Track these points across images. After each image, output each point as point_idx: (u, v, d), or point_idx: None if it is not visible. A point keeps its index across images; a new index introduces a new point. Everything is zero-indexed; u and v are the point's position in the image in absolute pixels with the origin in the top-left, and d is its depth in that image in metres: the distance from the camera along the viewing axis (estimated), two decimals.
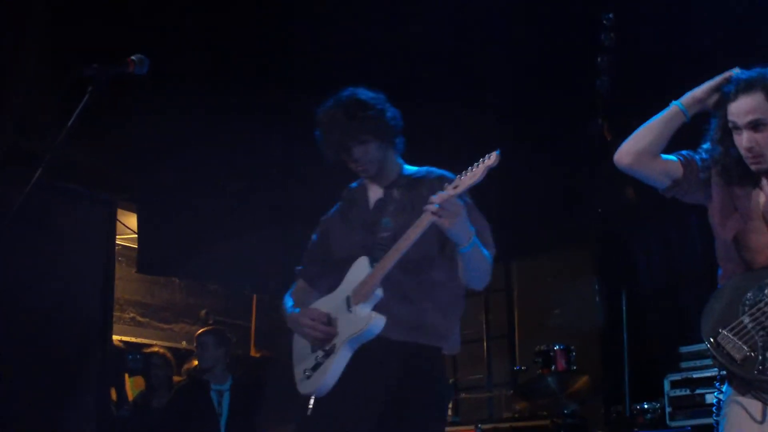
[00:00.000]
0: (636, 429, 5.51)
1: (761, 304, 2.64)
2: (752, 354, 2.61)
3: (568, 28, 5.36)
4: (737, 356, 2.64)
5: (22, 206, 2.60)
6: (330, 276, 3.26)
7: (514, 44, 5.49)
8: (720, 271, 2.87)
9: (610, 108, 5.45)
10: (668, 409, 5.43)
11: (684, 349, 5.56)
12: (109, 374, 5.79)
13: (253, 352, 8.08)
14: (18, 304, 5.02)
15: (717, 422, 2.80)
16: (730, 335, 2.66)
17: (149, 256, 6.42)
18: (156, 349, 6.78)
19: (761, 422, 2.64)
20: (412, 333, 3.05)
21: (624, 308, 6.04)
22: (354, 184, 3.39)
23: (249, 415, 5.71)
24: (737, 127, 2.74)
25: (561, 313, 7.38)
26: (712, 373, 4.84)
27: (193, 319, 8.11)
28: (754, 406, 2.67)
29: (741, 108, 2.71)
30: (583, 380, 5.57)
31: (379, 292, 2.99)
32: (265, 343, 7.92)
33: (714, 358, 2.71)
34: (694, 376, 5.39)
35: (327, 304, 3.18)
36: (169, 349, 7.03)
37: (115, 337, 6.42)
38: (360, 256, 3.10)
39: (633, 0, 5.16)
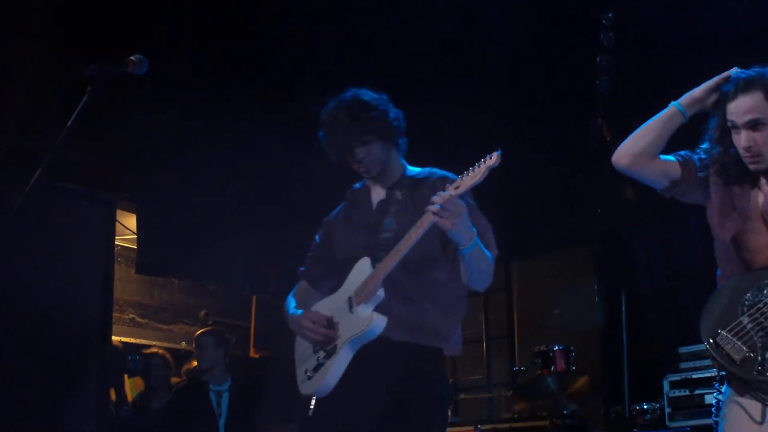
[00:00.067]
0: (635, 429, 5.52)
1: (760, 305, 2.64)
2: (751, 355, 2.61)
3: (567, 28, 5.36)
4: (736, 357, 2.63)
5: (21, 206, 2.59)
6: (332, 277, 3.27)
7: (514, 44, 5.49)
8: (719, 272, 2.87)
9: (610, 108, 5.46)
10: (668, 410, 5.44)
11: (683, 350, 5.57)
12: (108, 375, 5.79)
13: (252, 353, 8.08)
14: (18, 304, 5.02)
15: (716, 423, 2.80)
16: (729, 336, 2.66)
17: (148, 256, 6.42)
18: (155, 350, 6.78)
19: (760, 423, 2.64)
20: (413, 333, 3.05)
21: (624, 308, 6.05)
22: (357, 185, 3.39)
23: (248, 415, 5.71)
24: (736, 127, 2.74)
25: (561, 313, 7.39)
26: (712, 373, 4.86)
27: (193, 320, 8.11)
28: (754, 406, 2.66)
29: (740, 107, 2.71)
30: (582, 381, 5.57)
31: (381, 293, 2.99)
32: (265, 344, 7.93)
33: (713, 358, 2.71)
34: (694, 376, 5.39)
35: (329, 304, 3.19)
36: (168, 349, 7.03)
37: (114, 338, 6.43)
38: (362, 256, 3.11)
39: (633, 0, 5.16)
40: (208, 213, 6.46)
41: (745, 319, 2.65)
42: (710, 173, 2.86)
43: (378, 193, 3.29)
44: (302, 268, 3.45)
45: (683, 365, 5.53)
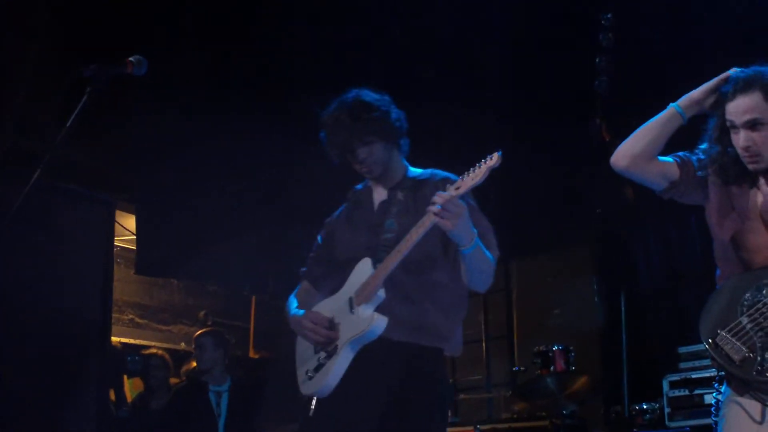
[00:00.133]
0: (635, 429, 5.52)
1: (759, 305, 2.64)
2: (751, 355, 2.61)
3: (567, 29, 5.36)
4: (736, 357, 2.64)
5: (21, 206, 2.59)
6: (334, 277, 3.27)
7: (514, 44, 5.49)
8: (718, 272, 2.87)
9: (609, 108, 5.46)
10: (667, 410, 5.44)
11: (683, 350, 5.57)
12: (108, 375, 5.78)
13: (252, 353, 8.08)
14: (17, 304, 5.02)
15: (715, 423, 2.81)
16: (728, 336, 2.66)
17: (148, 257, 6.42)
18: (155, 350, 6.78)
19: (760, 423, 2.64)
20: (413, 334, 3.05)
21: (623, 308, 6.05)
22: (359, 186, 3.39)
23: (248, 416, 5.71)
24: (735, 127, 2.74)
25: (560, 313, 7.39)
26: (711, 373, 4.86)
27: (192, 321, 8.11)
28: (753, 406, 2.67)
29: (739, 107, 2.71)
30: (582, 381, 5.57)
31: (382, 293, 2.99)
32: (264, 344, 7.92)
33: (713, 359, 2.71)
34: (693, 376, 5.40)
35: (330, 305, 3.19)
36: (167, 350, 7.03)
37: (113, 339, 6.42)
38: (364, 257, 3.11)
39: (632, 0, 5.16)
40: (208, 213, 6.46)
41: (745, 320, 2.65)
42: (709, 173, 2.86)
43: (380, 194, 3.29)
44: (304, 269, 3.45)
45: (683, 365, 5.53)
